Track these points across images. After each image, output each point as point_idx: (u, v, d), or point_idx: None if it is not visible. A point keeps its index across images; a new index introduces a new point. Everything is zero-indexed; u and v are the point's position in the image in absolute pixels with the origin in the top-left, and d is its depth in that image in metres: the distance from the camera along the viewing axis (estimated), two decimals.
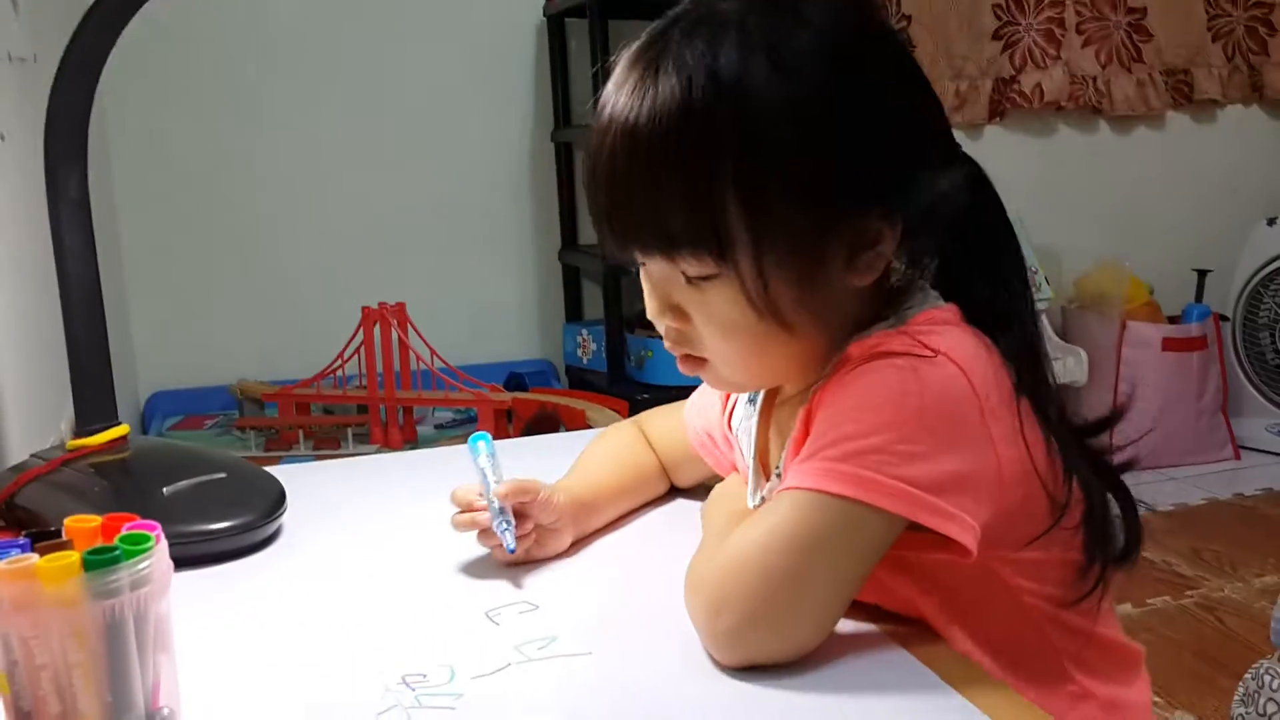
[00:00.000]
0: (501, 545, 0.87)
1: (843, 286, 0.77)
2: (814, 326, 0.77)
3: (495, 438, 0.94)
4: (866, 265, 0.77)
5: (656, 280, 0.79)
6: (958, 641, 0.77)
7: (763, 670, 0.72)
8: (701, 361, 0.80)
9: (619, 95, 0.75)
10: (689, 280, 0.76)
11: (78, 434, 1.04)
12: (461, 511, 0.90)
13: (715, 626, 0.72)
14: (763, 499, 0.85)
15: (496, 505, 0.87)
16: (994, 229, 0.81)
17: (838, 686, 0.70)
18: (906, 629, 0.78)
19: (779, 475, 0.82)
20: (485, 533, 0.89)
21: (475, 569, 0.90)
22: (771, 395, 0.89)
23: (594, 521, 0.96)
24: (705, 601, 0.73)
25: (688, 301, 0.77)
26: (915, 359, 0.72)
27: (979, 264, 0.80)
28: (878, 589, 0.76)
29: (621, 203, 0.76)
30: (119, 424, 1.06)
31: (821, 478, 0.71)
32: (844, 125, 0.74)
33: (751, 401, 0.91)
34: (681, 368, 0.82)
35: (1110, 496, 0.80)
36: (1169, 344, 3.13)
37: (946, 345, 0.73)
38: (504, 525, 0.87)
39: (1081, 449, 0.79)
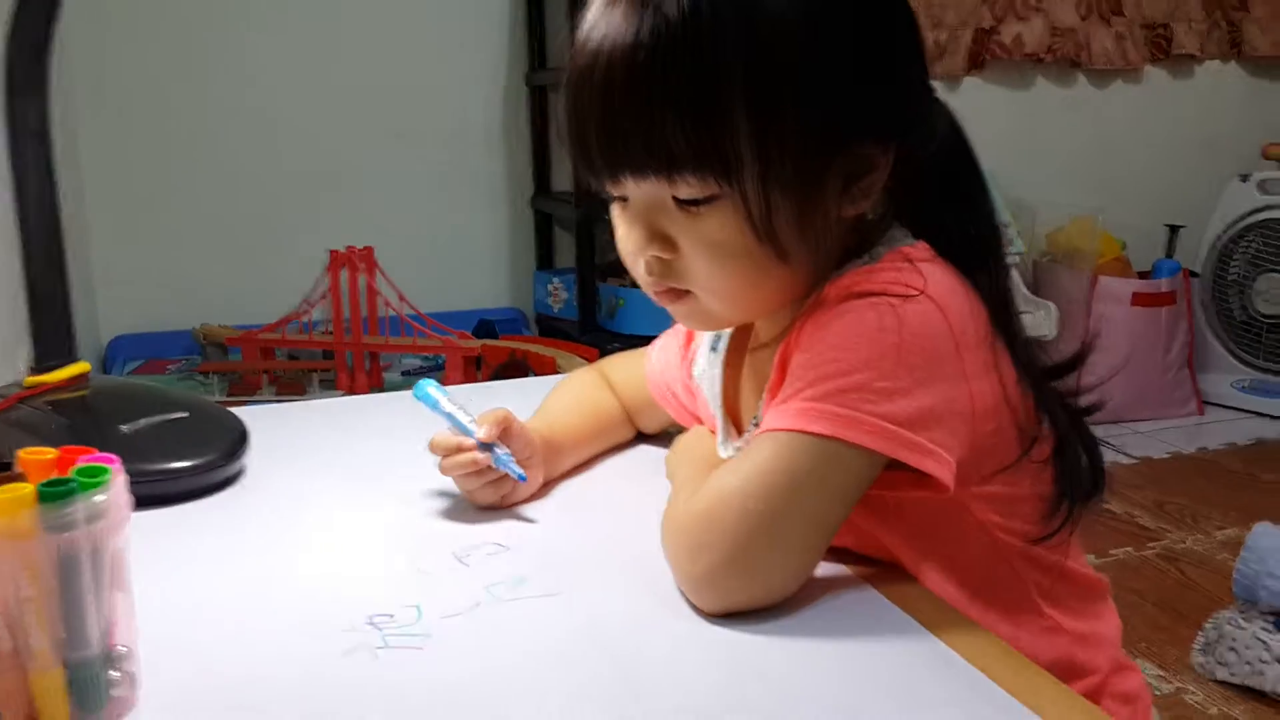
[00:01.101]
0: (484, 488, 0.87)
1: (835, 215, 0.76)
2: (806, 256, 0.76)
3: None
4: (861, 193, 0.76)
5: (643, 209, 0.76)
6: (929, 579, 0.77)
7: (734, 612, 0.71)
8: (684, 294, 0.79)
9: (611, 13, 0.72)
10: (681, 206, 0.74)
11: (35, 370, 1.02)
12: (448, 455, 0.88)
13: (693, 570, 0.71)
14: (738, 451, 0.84)
15: (483, 444, 0.86)
16: (968, 171, 0.81)
17: (809, 629, 0.70)
18: (876, 570, 0.78)
19: (756, 425, 0.80)
20: (470, 476, 0.87)
21: (443, 510, 0.89)
22: (738, 345, 0.88)
23: (562, 464, 0.95)
24: (683, 545, 0.73)
25: (678, 230, 0.75)
26: (892, 297, 0.71)
27: (954, 203, 0.80)
28: (848, 530, 0.75)
29: (617, 123, 0.73)
30: (79, 361, 1.03)
31: (801, 418, 0.70)
32: (852, 43, 0.73)
33: (714, 350, 0.90)
34: (661, 301, 0.80)
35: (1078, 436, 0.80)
36: (1138, 299, 3.14)
37: (923, 282, 0.72)
38: (505, 459, 0.86)
39: (1050, 388, 0.79)
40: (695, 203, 0.73)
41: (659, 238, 0.76)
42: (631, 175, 0.74)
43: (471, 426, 0.87)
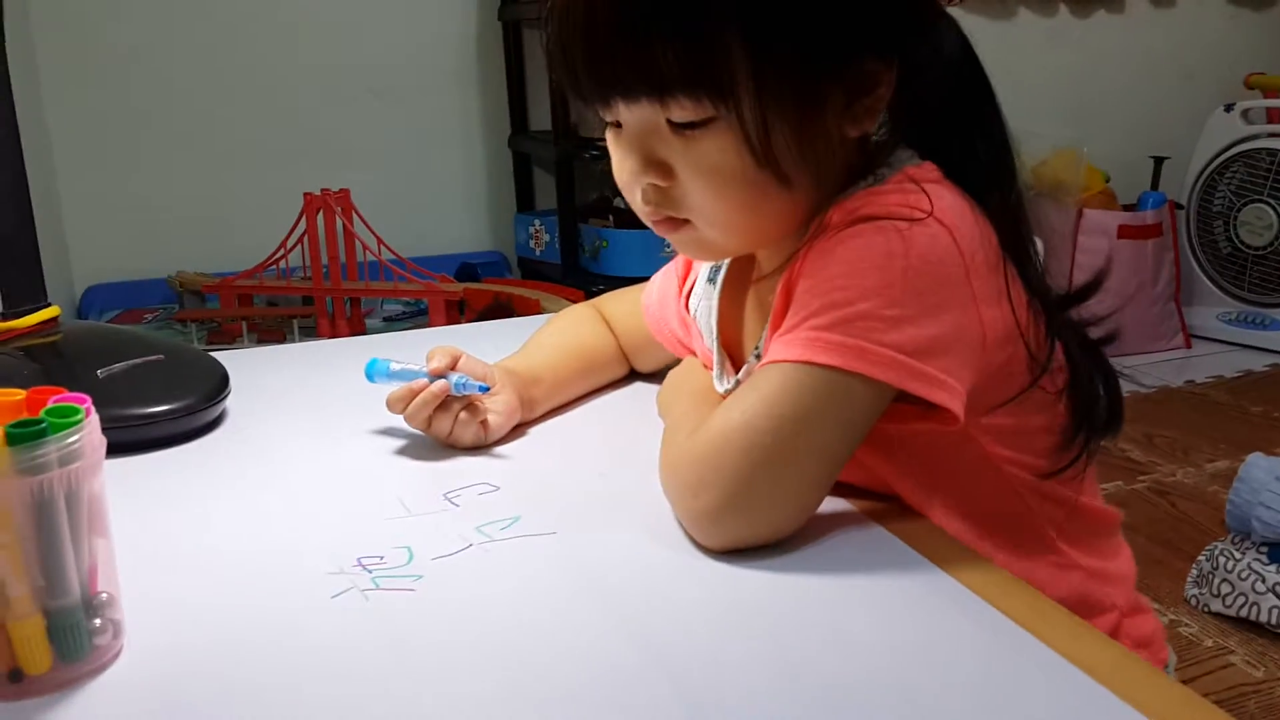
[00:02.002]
0: (459, 427, 0.85)
1: (838, 136, 0.73)
2: (808, 179, 0.73)
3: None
4: (864, 112, 0.73)
5: (636, 134, 0.73)
6: (936, 515, 0.75)
7: (737, 549, 0.69)
8: (682, 224, 0.76)
9: None
10: (676, 130, 0.71)
11: (4, 316, 0.99)
12: (407, 404, 0.85)
13: (696, 506, 0.69)
14: (737, 383, 0.81)
15: (435, 376, 0.85)
16: (978, 90, 0.77)
17: (813, 565, 0.68)
18: (883, 506, 0.76)
19: (757, 357, 0.78)
20: (439, 416, 0.85)
21: (432, 452, 0.87)
22: (736, 277, 0.85)
23: (542, 403, 0.92)
24: (686, 481, 0.70)
25: (674, 155, 0.72)
26: (899, 220, 0.69)
27: (963, 123, 0.76)
28: (853, 466, 0.73)
29: (604, 43, 0.70)
30: (49, 305, 1.00)
31: (808, 349, 0.68)
32: None
33: (711, 281, 0.87)
34: (660, 231, 0.78)
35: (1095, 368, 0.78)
36: (1124, 231, 3.12)
37: (930, 204, 0.69)
38: (461, 381, 0.85)
39: (1064, 318, 0.77)
40: (690, 126, 0.71)
41: (654, 164, 0.73)
42: (622, 99, 0.71)
43: (423, 369, 0.86)
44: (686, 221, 0.75)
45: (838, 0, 0.70)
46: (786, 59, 0.69)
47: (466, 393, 0.85)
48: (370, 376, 0.89)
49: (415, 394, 0.85)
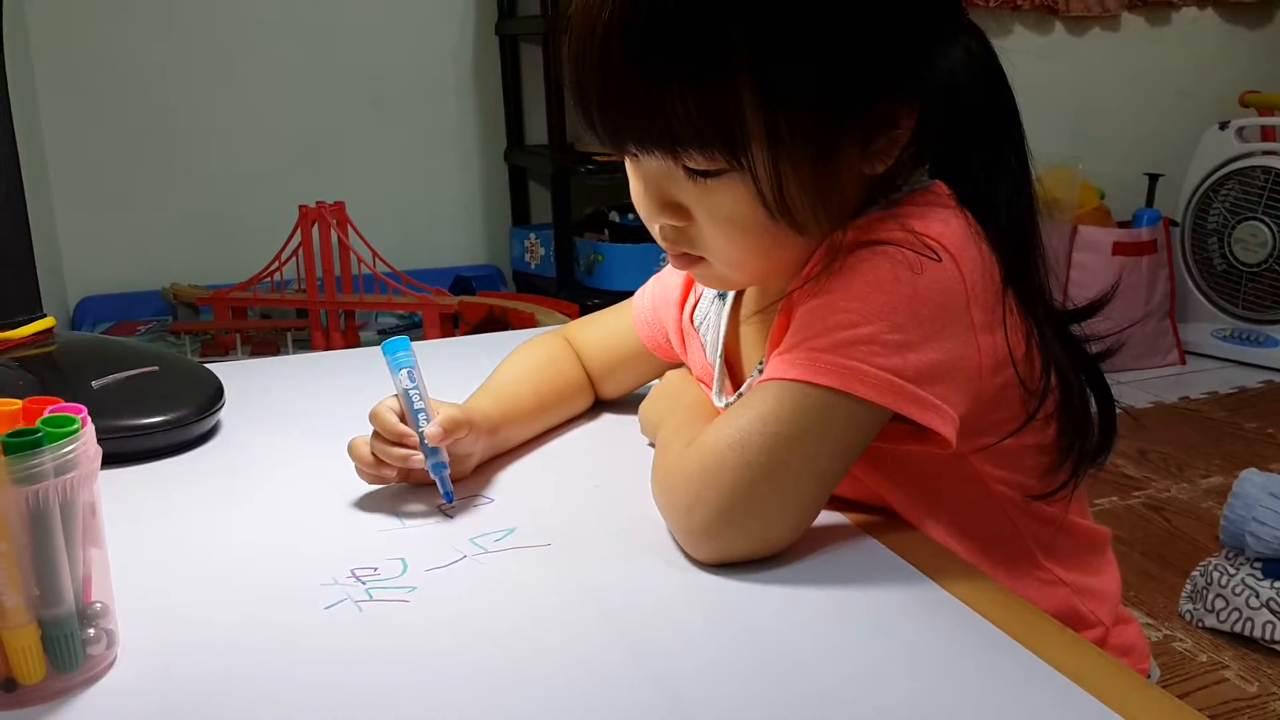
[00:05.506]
0: (385, 475, 0.81)
1: (855, 176, 0.72)
2: (823, 222, 0.72)
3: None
4: (882, 151, 0.72)
5: (653, 176, 0.73)
6: (928, 530, 0.75)
7: (731, 563, 0.69)
8: (698, 260, 0.76)
9: None
10: (691, 176, 0.71)
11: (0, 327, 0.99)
12: (386, 441, 0.80)
13: (690, 521, 0.69)
14: (739, 397, 0.81)
15: (428, 446, 0.78)
16: (996, 104, 0.76)
17: (807, 577, 0.68)
18: (875, 518, 0.76)
19: (760, 373, 0.77)
20: (386, 465, 0.80)
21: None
22: (742, 295, 0.85)
23: (504, 444, 0.90)
24: (680, 496, 0.70)
25: (690, 199, 0.72)
26: (906, 246, 0.68)
27: (977, 142, 0.75)
28: (847, 479, 0.73)
29: (616, 96, 0.69)
30: (44, 316, 1.00)
31: (806, 368, 0.68)
32: (861, 5, 0.68)
33: (721, 298, 0.87)
34: (677, 265, 0.78)
35: (1089, 391, 0.77)
36: (1119, 248, 3.13)
37: (937, 230, 0.69)
38: (441, 469, 0.78)
39: (1062, 340, 0.76)
40: (705, 174, 0.70)
41: (670, 206, 0.73)
42: (635, 147, 0.71)
43: (423, 417, 0.79)
44: (703, 258, 0.75)
45: (851, 52, 0.68)
46: (800, 113, 0.68)
47: (438, 482, 0.79)
48: (385, 352, 0.82)
49: (401, 442, 0.79)
